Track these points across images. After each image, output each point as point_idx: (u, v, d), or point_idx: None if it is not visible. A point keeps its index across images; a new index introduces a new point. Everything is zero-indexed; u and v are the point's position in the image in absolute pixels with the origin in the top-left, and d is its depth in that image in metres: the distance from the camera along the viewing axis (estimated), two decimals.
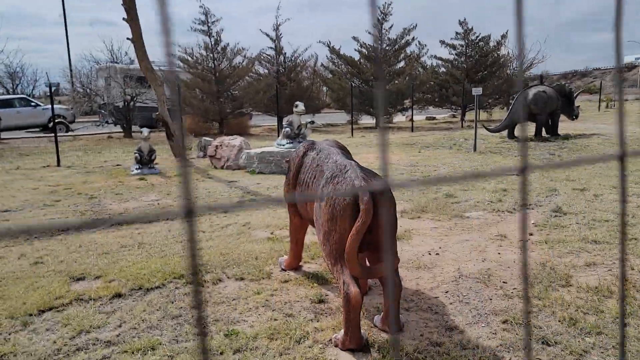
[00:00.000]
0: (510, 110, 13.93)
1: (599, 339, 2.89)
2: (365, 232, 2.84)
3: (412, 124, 19.53)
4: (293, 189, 3.85)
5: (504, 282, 3.83)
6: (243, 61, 20.56)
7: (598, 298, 3.41)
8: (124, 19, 11.09)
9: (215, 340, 3.00)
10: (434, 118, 26.75)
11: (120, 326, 3.25)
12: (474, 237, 5.04)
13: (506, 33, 22.55)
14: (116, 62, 23.72)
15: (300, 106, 9.57)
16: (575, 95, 14.66)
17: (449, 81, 22.34)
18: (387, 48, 21.61)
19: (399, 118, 24.97)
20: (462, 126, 20.15)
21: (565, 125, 15.46)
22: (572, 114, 14.53)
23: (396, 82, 21.28)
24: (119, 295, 3.72)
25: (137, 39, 11.17)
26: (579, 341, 2.88)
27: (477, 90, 11.46)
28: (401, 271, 4.10)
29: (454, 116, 25.69)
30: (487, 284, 3.79)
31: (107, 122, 19.60)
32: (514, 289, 3.68)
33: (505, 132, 14.17)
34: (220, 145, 10.66)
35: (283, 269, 4.19)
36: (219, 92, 19.61)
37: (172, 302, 3.58)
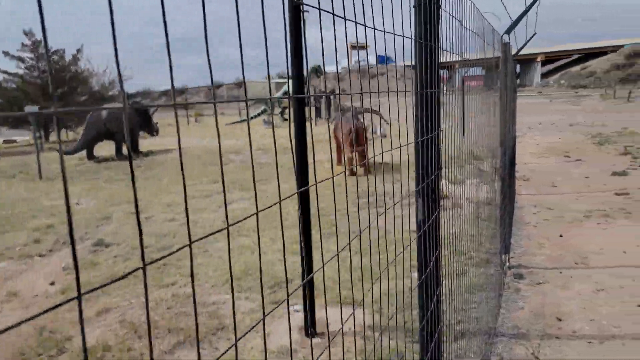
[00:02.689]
0: (85, 130, 12.88)
1: None
2: None
3: None
4: None
5: None
6: None
7: None
8: None
9: None
10: (14, 141, 22.94)
11: None
12: None
13: (82, 47, 21.17)
14: None
15: None
16: (152, 112, 14.91)
17: (22, 98, 19.38)
18: None
19: None
20: (43, 148, 17.77)
21: (150, 141, 15.52)
22: (152, 131, 14.80)
23: None
24: None
25: None
26: None
27: (30, 108, 9.90)
28: None
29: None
30: None
31: None
32: None
33: (84, 153, 13.05)
34: None
35: None
36: None
37: None
